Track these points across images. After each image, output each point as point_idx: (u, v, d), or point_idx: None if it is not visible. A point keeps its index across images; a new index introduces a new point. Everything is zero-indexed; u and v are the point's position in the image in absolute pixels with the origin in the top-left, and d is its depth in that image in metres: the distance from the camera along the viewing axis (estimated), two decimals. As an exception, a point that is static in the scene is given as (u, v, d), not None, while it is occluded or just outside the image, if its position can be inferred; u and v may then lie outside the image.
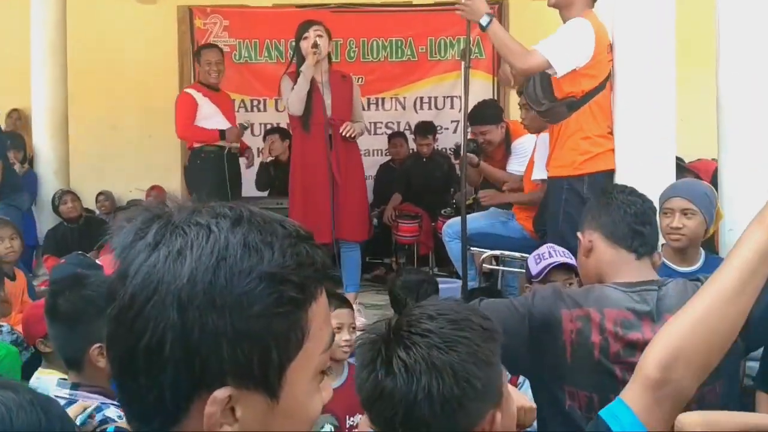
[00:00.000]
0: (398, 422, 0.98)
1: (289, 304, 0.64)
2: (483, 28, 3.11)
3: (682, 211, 2.47)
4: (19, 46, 5.66)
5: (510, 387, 1.19)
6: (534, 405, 1.26)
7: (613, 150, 3.07)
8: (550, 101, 3.20)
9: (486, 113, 4.45)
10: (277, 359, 0.64)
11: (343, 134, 4.14)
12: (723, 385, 1.56)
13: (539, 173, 3.63)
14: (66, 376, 1.80)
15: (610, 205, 1.73)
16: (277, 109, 6.90)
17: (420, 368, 0.97)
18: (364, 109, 6.58)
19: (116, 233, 0.67)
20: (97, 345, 1.65)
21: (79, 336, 1.69)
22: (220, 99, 4.96)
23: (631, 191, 1.80)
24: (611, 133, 3.08)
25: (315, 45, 4.03)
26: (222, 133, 4.79)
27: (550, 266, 2.52)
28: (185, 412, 0.63)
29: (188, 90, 4.94)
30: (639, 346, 1.45)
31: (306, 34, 4.13)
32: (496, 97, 6.43)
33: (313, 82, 4.13)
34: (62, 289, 1.79)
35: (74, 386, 1.70)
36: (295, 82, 4.18)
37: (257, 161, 6.49)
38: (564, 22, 3.13)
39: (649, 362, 1.01)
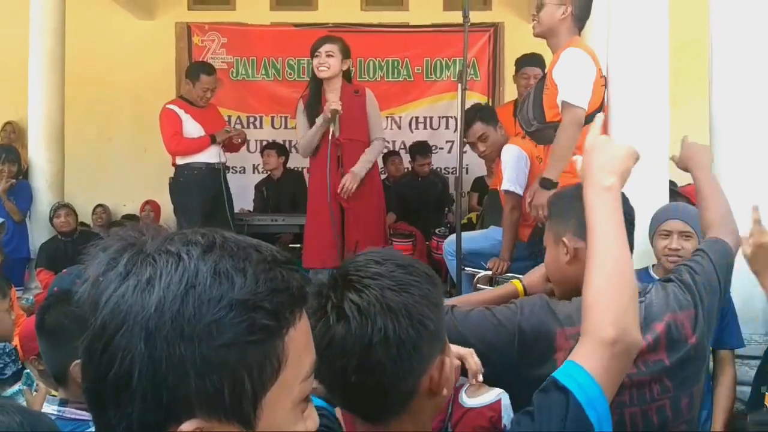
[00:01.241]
0: (351, 370, 0.93)
1: (261, 331, 0.62)
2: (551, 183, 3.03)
3: (680, 234, 2.48)
4: (17, 59, 5.68)
5: None
6: (458, 362, 1.24)
7: None
8: (539, 123, 3.24)
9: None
10: (250, 389, 0.62)
11: (343, 195, 4.01)
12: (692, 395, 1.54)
13: (508, 184, 3.61)
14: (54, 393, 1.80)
15: None
16: (273, 126, 6.95)
17: (374, 310, 0.93)
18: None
19: (90, 262, 0.66)
20: (78, 362, 1.64)
21: (62, 352, 1.68)
22: (207, 115, 4.87)
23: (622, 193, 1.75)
24: None
25: (335, 111, 3.94)
26: (212, 138, 4.74)
27: None
28: None
29: (170, 106, 4.80)
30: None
31: (317, 52, 4.05)
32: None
33: (323, 102, 4.06)
34: (50, 305, 1.79)
35: (62, 402, 1.69)
36: (305, 107, 4.13)
37: (253, 180, 6.52)
38: (552, 49, 3.18)
39: (598, 324, 1.05)
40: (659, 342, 1.45)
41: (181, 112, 4.73)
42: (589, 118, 3.07)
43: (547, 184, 3.02)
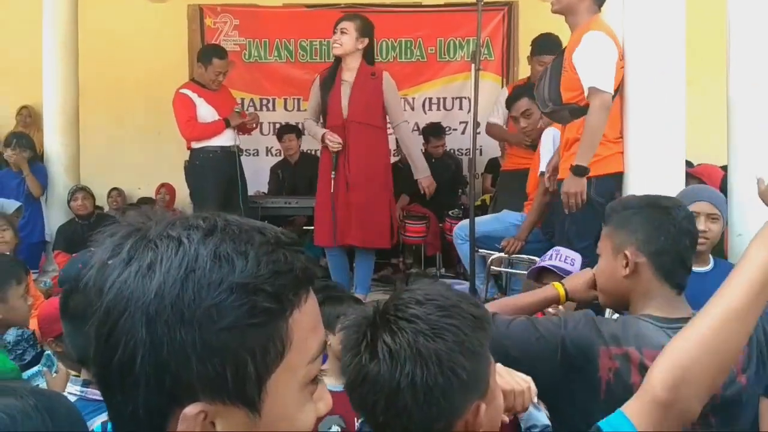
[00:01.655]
0: (380, 409, 0.94)
1: (263, 314, 0.62)
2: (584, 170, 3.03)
3: (708, 216, 2.46)
4: (31, 44, 5.70)
5: (500, 367, 1.15)
6: (525, 386, 1.22)
7: (621, 153, 3.07)
8: (555, 104, 3.21)
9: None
10: (254, 372, 0.62)
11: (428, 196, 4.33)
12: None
13: (546, 166, 3.62)
14: (76, 374, 1.82)
15: (668, 231, 1.55)
16: (286, 109, 6.93)
17: (405, 354, 0.93)
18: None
19: (98, 248, 0.66)
20: None
21: (85, 335, 1.69)
22: (219, 97, 4.87)
23: (686, 214, 1.60)
24: (621, 137, 3.08)
25: (336, 143, 4.05)
26: (226, 122, 4.76)
27: (539, 268, 2.53)
28: (164, 429, 0.62)
29: (183, 90, 4.80)
30: None
31: (335, 29, 4.08)
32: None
33: (337, 80, 4.10)
34: (74, 288, 1.79)
35: (85, 383, 1.70)
36: (321, 83, 4.19)
37: (266, 162, 6.53)
38: (570, 27, 3.14)
39: (658, 382, 0.99)
40: None
41: (194, 96, 4.74)
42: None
43: (580, 171, 3.01)
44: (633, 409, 1.00)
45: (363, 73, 4.10)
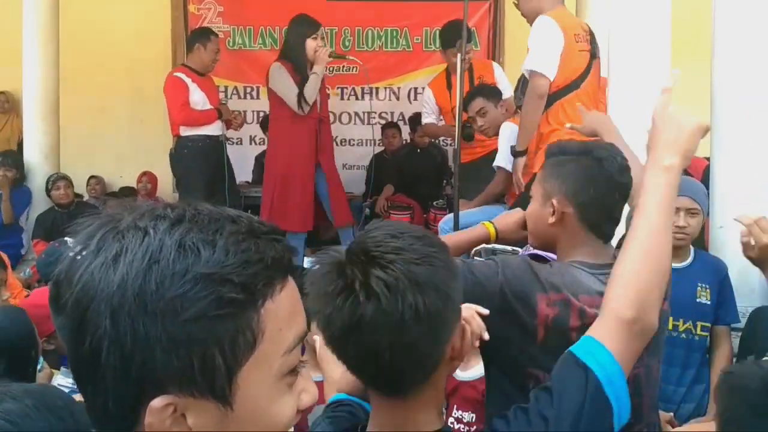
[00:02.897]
0: (383, 347, 0.92)
1: (230, 305, 0.60)
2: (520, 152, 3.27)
3: (688, 211, 2.42)
4: (11, 29, 5.60)
5: None
6: (472, 312, 1.22)
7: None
8: (523, 96, 3.28)
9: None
10: (223, 364, 0.61)
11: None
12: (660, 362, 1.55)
13: (500, 160, 3.69)
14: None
15: (597, 183, 1.53)
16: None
17: (403, 285, 0.91)
18: (357, 99, 6.71)
19: (73, 240, 0.66)
20: None
21: None
22: (207, 84, 4.88)
23: (620, 165, 1.55)
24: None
25: (332, 53, 4.35)
26: (219, 112, 4.76)
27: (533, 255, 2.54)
28: (134, 421, 0.62)
29: (177, 74, 4.77)
30: None
31: (315, 35, 4.34)
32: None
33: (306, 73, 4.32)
34: (59, 280, 1.77)
35: None
36: (291, 72, 4.32)
37: (250, 151, 6.49)
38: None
39: (620, 303, 1.06)
40: None
41: (188, 81, 4.70)
42: (566, 89, 3.06)
43: (516, 153, 3.23)
44: (599, 332, 1.05)
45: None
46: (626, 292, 1.07)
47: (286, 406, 0.66)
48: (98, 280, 0.61)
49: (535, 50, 3.04)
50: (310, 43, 4.30)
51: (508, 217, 1.86)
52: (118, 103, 6.79)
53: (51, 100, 5.50)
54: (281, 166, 4.40)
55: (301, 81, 4.28)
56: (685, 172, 3.76)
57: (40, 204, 5.35)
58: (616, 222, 1.59)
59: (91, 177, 6.50)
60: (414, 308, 0.91)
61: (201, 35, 4.91)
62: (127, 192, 6.08)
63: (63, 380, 1.71)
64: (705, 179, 3.10)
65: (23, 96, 5.63)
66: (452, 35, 4.44)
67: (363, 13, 6.69)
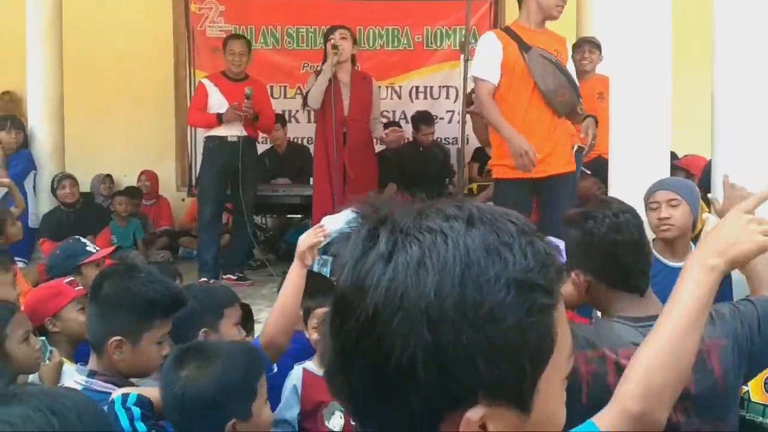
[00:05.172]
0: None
1: (541, 311, 0.60)
2: None
3: (668, 202, 2.51)
4: (14, 28, 5.62)
5: None
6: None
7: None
8: None
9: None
10: (530, 371, 0.60)
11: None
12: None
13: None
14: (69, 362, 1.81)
15: (596, 245, 1.55)
16: (272, 96, 6.88)
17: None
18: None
19: (340, 243, 0.63)
20: (117, 338, 1.64)
21: (108, 323, 1.68)
22: (231, 88, 4.89)
23: (610, 225, 1.55)
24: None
25: (335, 46, 4.42)
26: (219, 117, 4.81)
27: None
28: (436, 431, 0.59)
29: (204, 80, 5.11)
30: None
31: (331, 37, 4.51)
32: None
33: (336, 82, 4.50)
34: (111, 273, 1.78)
35: (91, 374, 1.68)
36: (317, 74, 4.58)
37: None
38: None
39: (629, 395, 1.05)
40: None
41: (209, 85, 4.94)
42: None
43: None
44: (603, 420, 1.04)
45: (357, 76, 4.72)
46: (637, 385, 1.05)
47: (564, 410, 0.67)
48: (406, 287, 0.58)
49: (477, 61, 3.50)
50: (327, 48, 4.52)
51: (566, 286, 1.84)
52: (120, 102, 6.80)
53: (55, 100, 5.52)
54: (321, 168, 4.65)
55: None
56: (687, 173, 3.78)
57: (45, 204, 5.38)
58: (643, 273, 1.57)
59: (106, 176, 6.49)
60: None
61: (224, 41, 5.14)
62: (133, 190, 6.09)
63: (76, 377, 1.70)
64: (704, 176, 3.13)
65: (27, 96, 5.65)
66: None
67: (364, 13, 6.71)
